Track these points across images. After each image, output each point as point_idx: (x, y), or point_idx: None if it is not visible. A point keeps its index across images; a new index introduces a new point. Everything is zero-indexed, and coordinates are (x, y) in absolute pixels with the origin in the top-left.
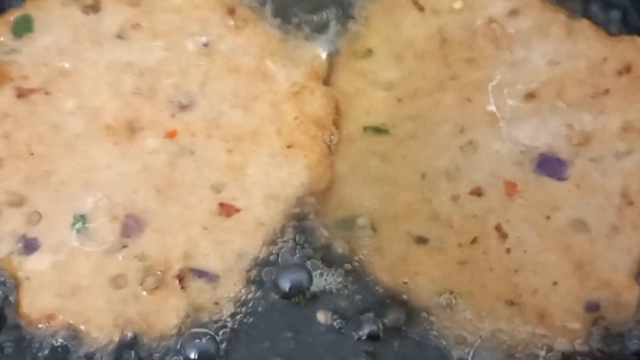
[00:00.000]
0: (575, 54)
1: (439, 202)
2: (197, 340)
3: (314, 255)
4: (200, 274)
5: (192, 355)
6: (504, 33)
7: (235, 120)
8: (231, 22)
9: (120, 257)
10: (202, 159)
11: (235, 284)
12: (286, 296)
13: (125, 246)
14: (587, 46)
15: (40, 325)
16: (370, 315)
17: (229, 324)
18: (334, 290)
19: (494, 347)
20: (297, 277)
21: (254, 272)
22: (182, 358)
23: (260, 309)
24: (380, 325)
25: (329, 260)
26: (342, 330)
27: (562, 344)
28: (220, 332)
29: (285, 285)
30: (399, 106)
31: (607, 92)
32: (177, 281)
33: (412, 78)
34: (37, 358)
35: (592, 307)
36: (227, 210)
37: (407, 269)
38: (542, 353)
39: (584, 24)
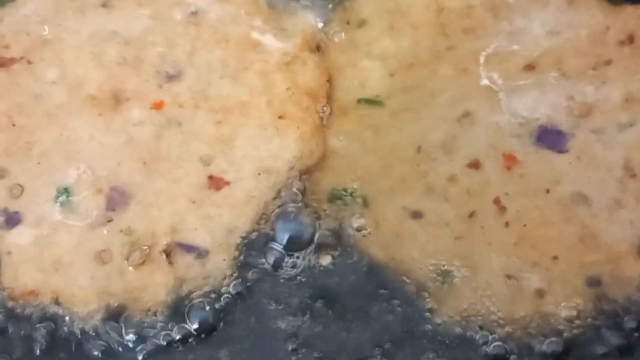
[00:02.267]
0: (576, 24)
1: (435, 176)
2: (187, 316)
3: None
4: (189, 248)
5: (179, 334)
6: (503, 2)
7: (224, 91)
8: None
9: (105, 232)
10: (189, 131)
11: (224, 259)
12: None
13: (110, 220)
14: (588, 15)
15: (22, 302)
16: (362, 292)
17: (219, 300)
18: (324, 268)
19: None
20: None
21: (244, 247)
22: (170, 334)
23: (250, 284)
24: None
25: (320, 236)
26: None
27: (562, 320)
28: (209, 309)
29: (283, 237)
30: (393, 77)
31: (609, 62)
32: (164, 256)
33: (408, 48)
34: (21, 335)
35: (594, 282)
36: (216, 183)
37: (401, 244)
38: (542, 328)
39: None
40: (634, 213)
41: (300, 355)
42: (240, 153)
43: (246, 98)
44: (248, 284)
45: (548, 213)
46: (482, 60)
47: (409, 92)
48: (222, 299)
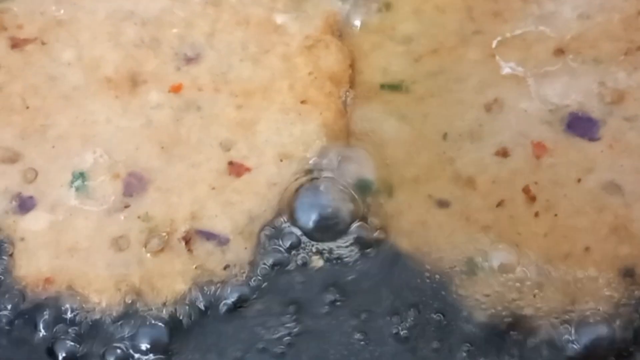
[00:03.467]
0: (608, 7)
1: (462, 164)
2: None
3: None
4: (209, 236)
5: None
6: None
7: (245, 75)
8: None
9: (122, 218)
10: (209, 115)
11: (246, 248)
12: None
13: (127, 206)
14: None
15: (37, 289)
16: (387, 285)
17: (240, 290)
18: (347, 260)
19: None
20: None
21: (266, 235)
22: (189, 323)
23: (272, 274)
24: (397, 298)
25: (343, 226)
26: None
27: (595, 312)
28: (231, 299)
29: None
30: (418, 62)
31: None
32: (183, 243)
33: (433, 32)
34: (36, 324)
35: (628, 273)
36: (236, 169)
37: (427, 234)
38: (575, 320)
39: None
40: None
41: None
42: (262, 138)
43: (267, 82)
44: (272, 274)
45: (579, 203)
46: (510, 44)
47: (435, 77)
48: (238, 293)
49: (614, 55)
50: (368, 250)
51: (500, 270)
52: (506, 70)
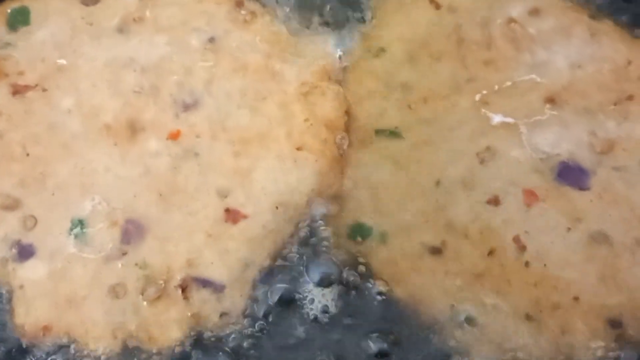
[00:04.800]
0: (598, 57)
1: (454, 212)
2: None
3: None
4: (205, 283)
5: None
6: (525, 33)
7: (242, 122)
8: (239, 16)
9: (119, 265)
10: (207, 163)
11: (241, 295)
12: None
13: (125, 253)
14: (611, 49)
15: (35, 338)
16: (379, 331)
17: (234, 338)
18: (341, 305)
19: None
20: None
21: (261, 283)
22: None
23: (267, 323)
24: (389, 342)
25: (337, 272)
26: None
27: None
28: (226, 347)
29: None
30: (413, 109)
31: (631, 97)
32: (179, 291)
33: (427, 79)
34: None
35: (615, 324)
36: (233, 216)
37: (419, 281)
38: None
39: (608, 26)
40: None
41: None
42: (258, 186)
43: (265, 129)
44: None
45: (569, 252)
46: (502, 93)
47: (428, 124)
48: (232, 341)
49: (604, 105)
50: (360, 297)
51: (492, 320)
52: (498, 118)
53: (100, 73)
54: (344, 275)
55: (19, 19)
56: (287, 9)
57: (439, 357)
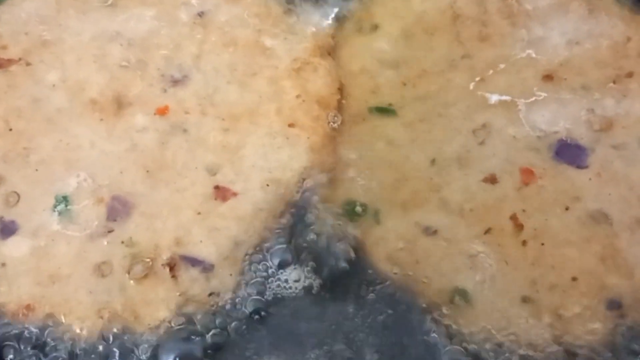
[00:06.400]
0: (596, 33)
1: (450, 190)
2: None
3: (312, 247)
4: (193, 262)
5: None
6: (521, 9)
7: (232, 97)
8: None
9: (105, 243)
10: (195, 139)
11: (231, 274)
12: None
13: (110, 231)
14: (609, 25)
15: (17, 317)
16: (373, 310)
17: (223, 319)
18: (335, 285)
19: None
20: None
21: (251, 262)
22: (169, 356)
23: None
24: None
25: (328, 251)
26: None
27: (581, 344)
28: (213, 328)
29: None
30: (406, 86)
31: (630, 74)
32: (167, 270)
33: (421, 56)
34: (19, 351)
35: (614, 305)
36: (222, 194)
37: (414, 261)
38: (560, 354)
39: (606, 1)
40: None
41: None
42: (248, 163)
43: (255, 105)
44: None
45: (567, 232)
46: (498, 69)
47: (423, 101)
48: (221, 322)
49: (602, 82)
50: (355, 279)
51: (488, 301)
52: (494, 96)
53: (86, 47)
54: (334, 255)
55: None
56: None
57: (433, 339)
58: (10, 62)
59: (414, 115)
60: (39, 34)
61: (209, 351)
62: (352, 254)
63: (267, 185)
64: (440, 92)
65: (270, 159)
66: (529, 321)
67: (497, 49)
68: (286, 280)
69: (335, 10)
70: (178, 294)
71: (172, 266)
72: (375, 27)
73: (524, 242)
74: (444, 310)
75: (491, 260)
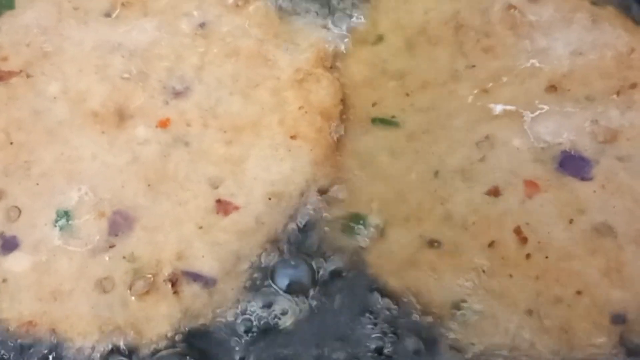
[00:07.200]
0: (600, 44)
1: (453, 203)
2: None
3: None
4: (195, 277)
5: None
6: (524, 20)
7: (234, 109)
8: (230, 0)
9: (107, 258)
10: (197, 151)
11: (233, 289)
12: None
13: (112, 246)
14: (613, 36)
15: (19, 333)
16: (376, 327)
17: (226, 334)
18: (336, 300)
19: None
20: (297, 273)
21: (253, 276)
22: None
23: (259, 316)
24: (387, 339)
25: (332, 265)
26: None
27: (585, 358)
28: (217, 343)
29: (283, 282)
30: (410, 97)
31: (634, 85)
32: (169, 285)
33: (425, 67)
34: None
35: (619, 319)
36: (224, 207)
37: (417, 274)
38: None
39: (610, 12)
40: None
41: None
42: (251, 175)
43: (257, 117)
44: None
45: (571, 245)
46: (501, 80)
47: (426, 113)
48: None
49: (606, 93)
50: (357, 291)
51: (492, 314)
52: (498, 106)
53: (87, 58)
54: (337, 268)
55: (4, 2)
56: None
57: (437, 351)
58: (10, 74)
59: (417, 126)
60: (39, 45)
61: None
62: (356, 267)
63: (269, 198)
64: (444, 104)
65: (272, 172)
66: (533, 334)
67: (500, 60)
68: (288, 295)
69: (339, 20)
70: (180, 309)
71: (173, 282)
72: (379, 38)
73: (528, 256)
74: (448, 324)
75: (495, 274)
